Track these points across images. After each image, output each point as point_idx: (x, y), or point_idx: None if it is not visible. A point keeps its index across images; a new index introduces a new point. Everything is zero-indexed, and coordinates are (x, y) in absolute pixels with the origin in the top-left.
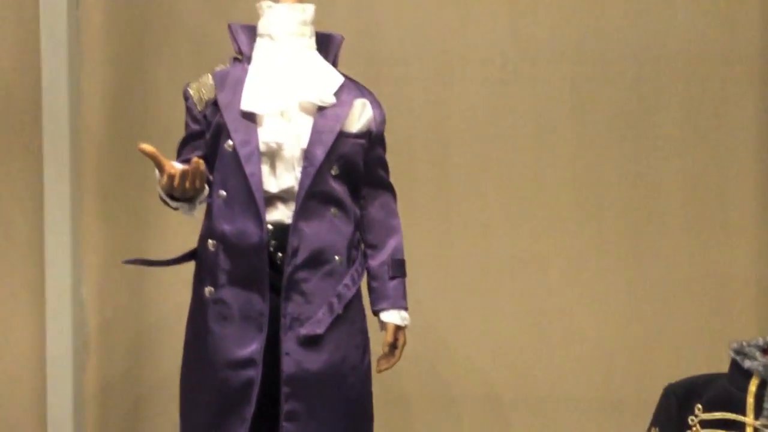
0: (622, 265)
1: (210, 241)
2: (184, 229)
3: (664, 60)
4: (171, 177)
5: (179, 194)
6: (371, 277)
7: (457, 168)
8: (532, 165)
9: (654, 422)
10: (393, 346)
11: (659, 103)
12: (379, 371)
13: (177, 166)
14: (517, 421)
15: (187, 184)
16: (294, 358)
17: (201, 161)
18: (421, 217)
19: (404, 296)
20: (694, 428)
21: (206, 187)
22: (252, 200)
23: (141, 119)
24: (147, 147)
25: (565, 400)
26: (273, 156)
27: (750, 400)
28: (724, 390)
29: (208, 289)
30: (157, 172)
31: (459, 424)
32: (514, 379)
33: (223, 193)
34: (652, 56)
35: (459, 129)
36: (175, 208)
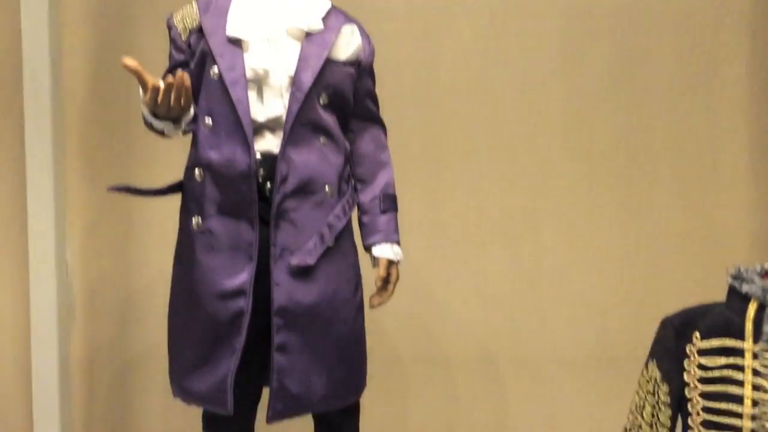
0: (614, 221)
1: (196, 170)
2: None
3: (654, 13)
4: (155, 91)
5: (164, 112)
6: (362, 211)
7: (448, 125)
8: (522, 121)
9: (651, 354)
10: (386, 281)
11: (650, 57)
12: (372, 307)
13: (161, 81)
14: (511, 379)
15: (172, 100)
16: (285, 289)
17: (185, 74)
18: (411, 176)
19: (396, 230)
20: (692, 357)
21: (191, 108)
22: (239, 127)
23: (124, 80)
24: (130, 62)
25: (559, 358)
26: (260, 83)
27: (748, 325)
28: (722, 317)
29: (195, 220)
30: (141, 90)
31: (452, 383)
32: (507, 338)
33: (209, 120)
34: (642, 9)
35: (448, 85)
36: (161, 131)
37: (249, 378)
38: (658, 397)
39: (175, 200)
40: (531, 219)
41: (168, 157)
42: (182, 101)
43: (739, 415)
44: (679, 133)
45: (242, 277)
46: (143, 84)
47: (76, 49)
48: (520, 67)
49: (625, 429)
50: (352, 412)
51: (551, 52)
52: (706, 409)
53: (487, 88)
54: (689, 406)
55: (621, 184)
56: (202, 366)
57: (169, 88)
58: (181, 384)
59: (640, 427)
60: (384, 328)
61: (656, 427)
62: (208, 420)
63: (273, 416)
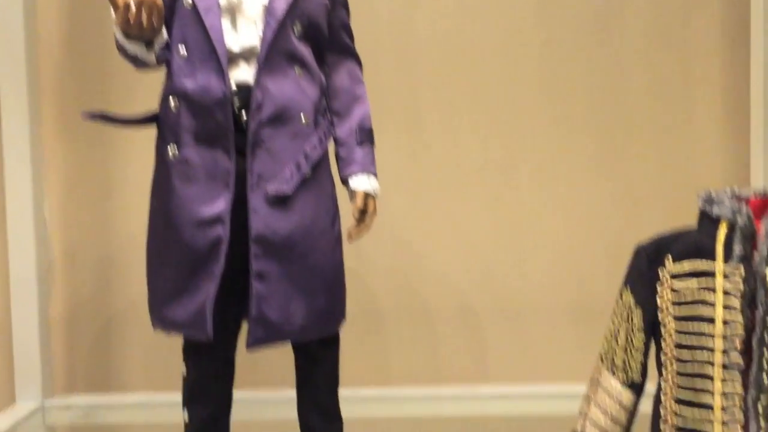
0: (591, 170)
1: (171, 100)
2: (148, 145)
3: None
4: (126, 7)
5: (136, 32)
6: (338, 144)
7: (425, 76)
8: (499, 71)
9: (625, 282)
10: (363, 213)
11: (625, 6)
12: (350, 241)
13: None
14: (491, 329)
15: (144, 19)
16: (262, 217)
17: None
18: (388, 128)
19: (373, 163)
20: (664, 282)
21: (164, 32)
22: (213, 55)
23: (99, 34)
24: None
25: (538, 307)
26: (233, 11)
27: (719, 247)
28: (693, 241)
29: (171, 150)
30: (112, 12)
31: (432, 334)
32: (486, 288)
33: (183, 49)
34: None
35: (425, 36)
36: (134, 56)
37: (228, 306)
38: (632, 322)
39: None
40: (509, 169)
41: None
42: (154, 20)
43: (711, 336)
44: (655, 82)
45: (219, 204)
46: (114, 2)
47: (51, 3)
48: (497, 17)
49: (600, 355)
50: (331, 344)
51: (528, 2)
52: (678, 332)
53: (464, 38)
54: (662, 329)
55: (598, 133)
56: (182, 294)
57: (140, 4)
58: (160, 313)
59: (614, 352)
60: (364, 280)
61: (630, 352)
62: (188, 351)
63: (252, 343)
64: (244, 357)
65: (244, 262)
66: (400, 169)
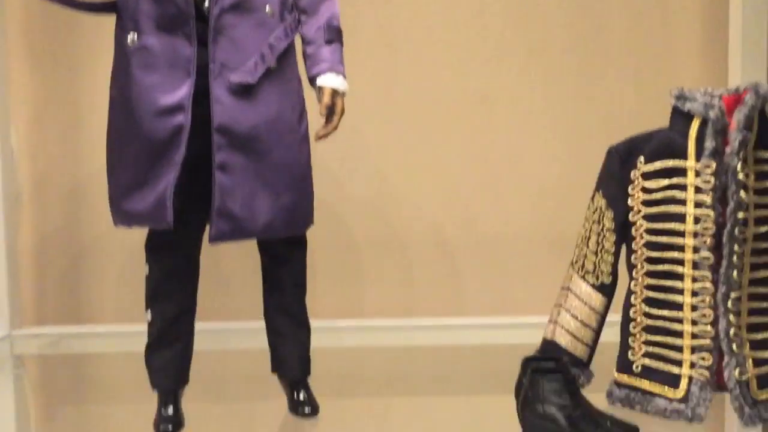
0: (569, 101)
1: None
2: None
3: None
4: None
5: None
6: (306, 42)
7: (401, 7)
8: (477, 3)
9: (597, 186)
10: (330, 111)
11: None
12: (317, 139)
13: None
14: (467, 264)
15: None
16: (225, 107)
17: None
18: (365, 58)
19: (342, 62)
20: (636, 182)
21: None
22: None
23: None
24: None
25: (514, 241)
26: None
27: (691, 144)
28: (665, 139)
29: (130, 37)
30: None
31: (408, 268)
32: (462, 222)
33: None
34: None
35: None
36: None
37: (191, 200)
38: (603, 224)
39: None
40: (487, 102)
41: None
42: None
43: (682, 234)
44: (632, 10)
45: (180, 92)
46: None
47: None
48: None
49: (571, 262)
50: (298, 246)
51: None
52: (649, 231)
53: None
54: (633, 230)
55: (575, 63)
56: (143, 186)
57: None
58: (120, 207)
59: (585, 256)
60: (339, 213)
61: (601, 254)
62: (151, 249)
63: (216, 236)
64: (213, 288)
65: (207, 157)
66: (376, 102)
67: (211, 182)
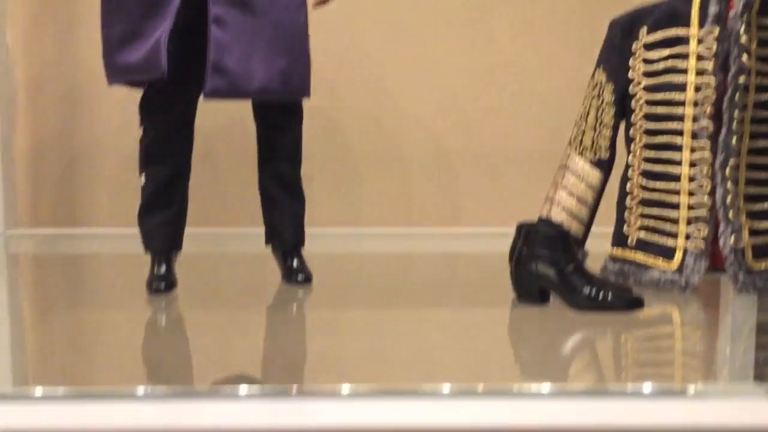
0: (571, 11)
1: None
2: None
3: None
4: None
5: None
6: None
7: None
8: None
9: (598, 62)
10: None
11: None
12: (315, 6)
13: None
14: (465, 176)
15: None
16: None
17: None
18: None
19: None
20: (637, 53)
21: None
22: None
23: None
24: None
25: (513, 152)
26: None
27: (694, 11)
28: (669, 8)
29: None
30: None
31: (406, 179)
32: (461, 134)
33: None
34: None
35: None
36: None
37: (186, 54)
38: (603, 98)
39: None
40: (486, 12)
41: None
42: None
43: (681, 103)
44: None
45: None
46: None
47: None
48: None
49: (569, 141)
50: (294, 115)
51: None
52: (649, 102)
53: None
54: (633, 102)
55: None
56: (137, 37)
57: None
58: (115, 61)
59: (583, 132)
60: (338, 124)
61: (599, 129)
62: (146, 109)
63: (211, 91)
64: (209, 197)
65: (203, 11)
66: (374, 10)
67: (206, 39)
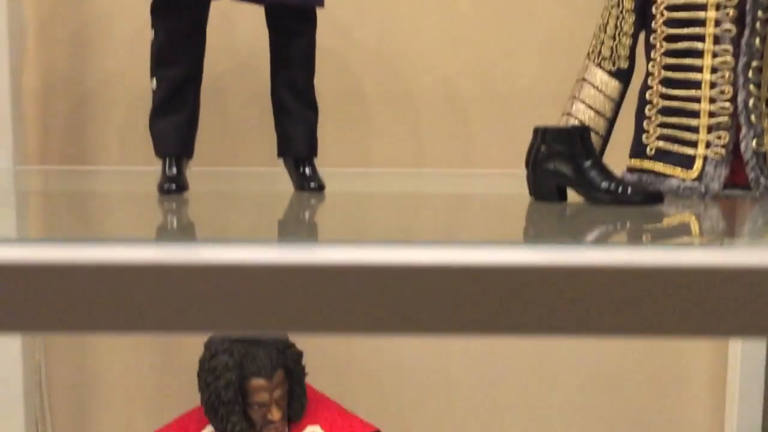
0: None
1: None
2: None
3: None
4: None
5: None
6: None
7: None
8: None
9: None
10: None
11: None
12: None
13: None
14: (477, 118)
15: None
16: None
17: None
18: None
19: None
20: None
21: None
22: None
23: None
24: None
25: (526, 94)
26: None
27: None
28: None
29: None
30: None
31: (417, 121)
32: (474, 75)
33: None
34: None
35: None
36: None
37: None
38: (623, 5)
39: None
40: None
41: None
42: None
43: (704, 6)
44: None
45: None
46: None
47: None
48: None
49: (587, 54)
50: (308, 21)
51: None
52: (670, 7)
53: None
54: (653, 8)
55: None
56: None
57: None
58: None
59: (602, 43)
60: (348, 64)
61: (619, 38)
62: (157, 11)
63: None
64: (219, 137)
65: None
66: None
67: None
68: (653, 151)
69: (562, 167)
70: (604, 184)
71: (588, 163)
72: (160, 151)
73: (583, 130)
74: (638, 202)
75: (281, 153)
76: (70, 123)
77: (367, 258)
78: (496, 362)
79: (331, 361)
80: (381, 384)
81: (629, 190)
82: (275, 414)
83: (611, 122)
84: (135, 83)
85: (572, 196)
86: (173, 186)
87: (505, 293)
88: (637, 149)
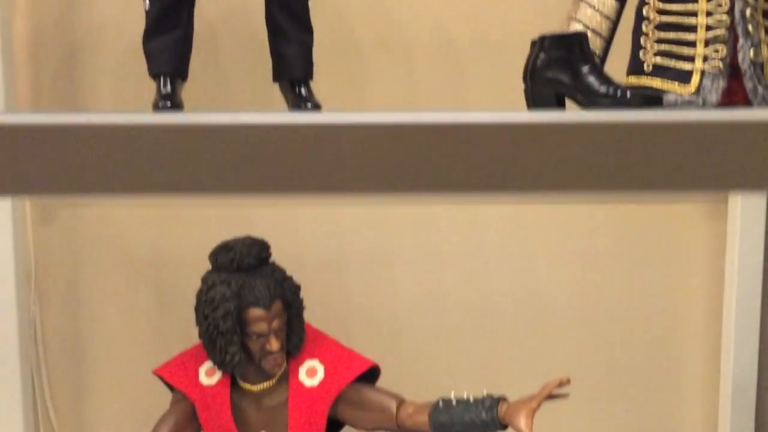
0: None
1: None
2: None
3: None
4: None
5: None
6: None
7: None
8: None
9: None
10: None
11: None
12: None
13: None
14: (470, 63)
15: None
16: None
17: None
18: None
19: None
20: None
21: None
22: None
23: None
24: None
25: (519, 41)
26: None
27: None
28: None
29: None
30: None
31: (412, 66)
32: (467, 21)
33: None
34: None
35: None
36: None
37: None
38: None
39: None
40: None
41: None
42: None
43: None
44: None
45: None
46: None
47: None
48: None
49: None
50: None
51: None
52: None
53: None
54: None
55: None
56: None
57: None
58: None
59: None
60: (339, 11)
61: None
62: None
63: None
64: (213, 81)
65: None
66: None
67: None
68: (651, 68)
69: (561, 75)
70: (603, 89)
71: (586, 68)
72: (154, 70)
73: (581, 36)
74: (637, 105)
75: (276, 77)
76: (61, 68)
77: (362, 119)
78: (490, 297)
79: (328, 301)
80: (378, 324)
81: (628, 93)
82: (274, 344)
83: (608, 42)
84: (127, 29)
85: (570, 107)
86: (168, 104)
87: (500, 151)
88: (635, 66)
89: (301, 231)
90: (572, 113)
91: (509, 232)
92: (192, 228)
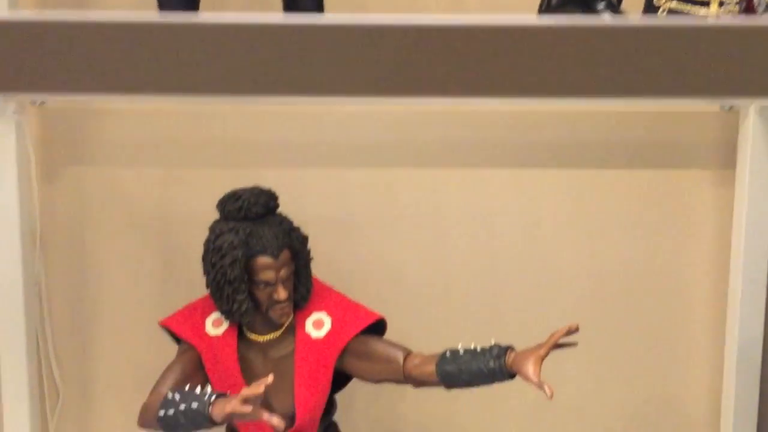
0: None
1: None
2: None
3: None
4: None
5: None
6: None
7: None
8: None
9: None
10: None
11: None
12: None
13: None
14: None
15: None
16: None
17: None
18: None
19: None
20: None
21: None
22: None
23: None
24: None
25: None
26: None
27: None
28: None
29: None
30: None
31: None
32: None
33: None
34: None
35: None
36: None
37: None
38: None
39: None
40: None
41: None
42: None
43: None
44: None
45: None
46: None
47: None
48: None
49: None
50: None
51: None
52: None
53: None
54: None
55: None
56: None
57: None
58: None
59: None
60: None
61: None
62: None
63: None
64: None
65: None
66: None
67: None
68: (665, 14)
69: (576, 10)
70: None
71: (602, 5)
72: (165, 5)
73: None
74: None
75: (287, 5)
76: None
77: (363, 19)
78: (496, 256)
79: (335, 260)
80: (384, 282)
81: None
82: (281, 293)
83: None
84: None
85: None
86: None
87: (506, 53)
88: (649, 9)
89: (308, 191)
90: (576, 17)
91: (515, 194)
92: (198, 187)
